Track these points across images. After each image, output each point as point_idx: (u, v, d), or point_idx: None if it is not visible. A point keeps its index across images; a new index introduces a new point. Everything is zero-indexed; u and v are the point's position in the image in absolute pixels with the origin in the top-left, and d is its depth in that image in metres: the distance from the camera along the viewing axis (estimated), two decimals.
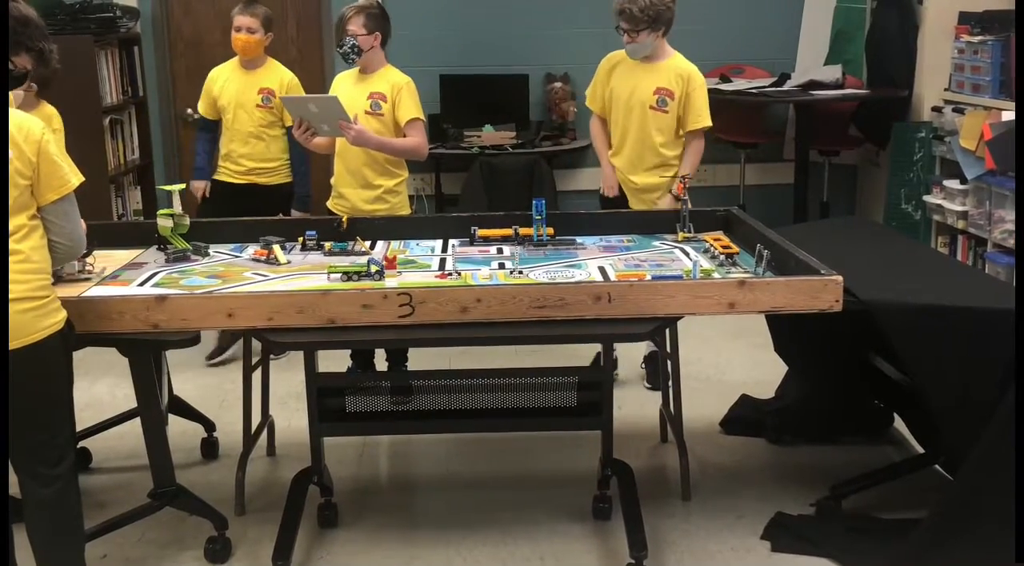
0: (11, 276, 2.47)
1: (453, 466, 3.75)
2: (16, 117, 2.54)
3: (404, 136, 4.02)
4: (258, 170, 4.78)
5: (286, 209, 4.80)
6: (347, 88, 4.08)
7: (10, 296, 2.46)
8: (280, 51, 6.30)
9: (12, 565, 2.74)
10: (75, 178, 2.62)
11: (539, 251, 3.45)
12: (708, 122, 4.11)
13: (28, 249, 2.53)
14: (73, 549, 2.71)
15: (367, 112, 3.98)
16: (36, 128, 2.54)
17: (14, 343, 2.47)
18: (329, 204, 4.18)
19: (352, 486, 3.58)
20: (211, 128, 4.85)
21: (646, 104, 4.10)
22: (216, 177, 4.83)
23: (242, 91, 4.73)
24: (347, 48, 3.98)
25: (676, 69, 4.11)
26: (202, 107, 4.85)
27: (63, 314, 2.62)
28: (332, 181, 4.18)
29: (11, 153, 2.48)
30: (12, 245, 2.50)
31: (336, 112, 3.77)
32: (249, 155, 4.75)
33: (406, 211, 4.18)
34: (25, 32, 2.66)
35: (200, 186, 4.83)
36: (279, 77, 4.76)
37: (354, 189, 4.08)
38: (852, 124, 6.19)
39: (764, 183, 6.37)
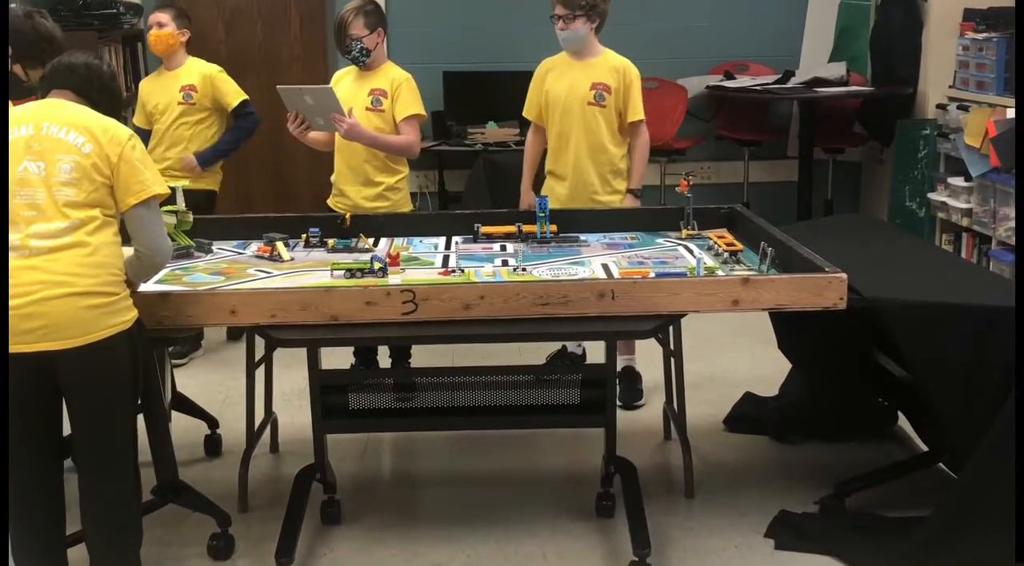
0: (75, 269, 2.47)
1: (456, 463, 3.75)
2: (105, 121, 2.61)
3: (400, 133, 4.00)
4: (177, 174, 4.62)
5: (209, 211, 4.68)
6: (347, 84, 4.06)
7: (74, 289, 2.45)
8: (283, 48, 6.33)
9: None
10: (157, 187, 2.63)
11: (542, 248, 3.45)
12: (643, 114, 4.04)
13: (97, 243, 2.53)
14: (130, 549, 2.70)
15: (368, 109, 3.96)
16: (123, 133, 2.61)
17: (77, 340, 2.46)
18: (330, 202, 4.16)
19: (355, 483, 3.57)
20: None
21: (584, 101, 3.99)
22: None
23: (165, 91, 4.74)
24: (356, 53, 3.96)
25: (610, 63, 4.02)
26: (139, 118, 4.83)
27: (133, 313, 2.59)
28: (332, 178, 4.16)
29: (91, 148, 2.53)
30: (82, 237, 2.51)
31: (331, 104, 3.74)
32: (167, 157, 4.70)
33: (408, 208, 4.16)
34: (48, 50, 2.71)
35: None
36: (199, 72, 4.75)
37: (355, 186, 4.06)
38: (856, 121, 6.17)
39: (768, 180, 6.36)
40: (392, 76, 4.01)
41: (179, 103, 4.71)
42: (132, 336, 2.58)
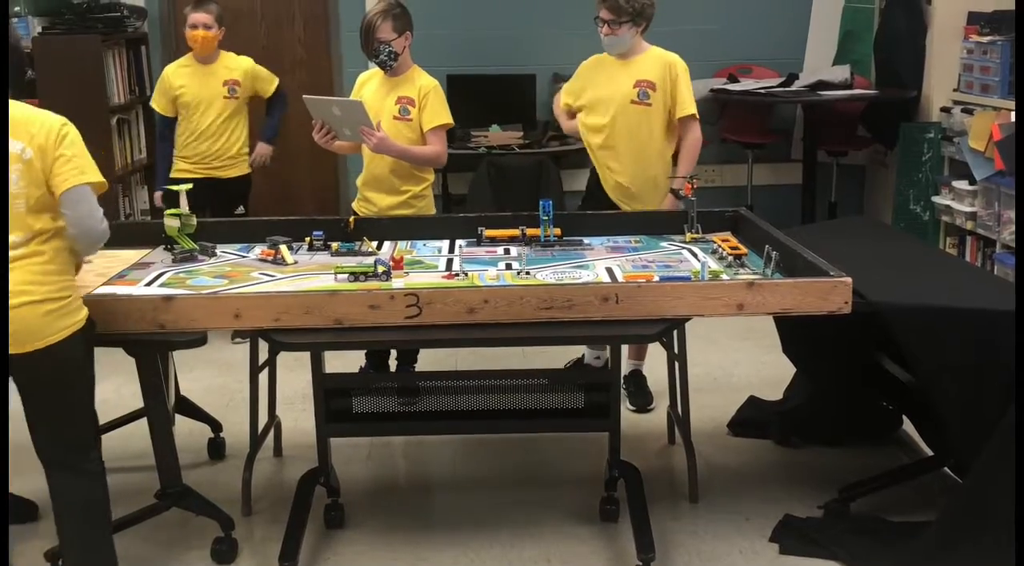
0: (34, 277, 2.51)
1: (460, 467, 3.74)
2: (35, 114, 2.56)
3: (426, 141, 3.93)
4: (217, 164, 4.95)
5: (244, 201, 5.02)
6: (372, 90, 3.97)
7: (32, 298, 2.50)
8: (287, 51, 6.34)
9: None
10: (90, 175, 2.61)
11: (546, 252, 3.44)
12: (694, 109, 3.95)
13: (52, 251, 2.57)
14: (102, 542, 2.74)
15: (395, 117, 3.89)
16: (56, 123, 2.58)
17: (36, 344, 2.51)
18: (354, 206, 4.11)
19: (359, 487, 3.57)
20: (172, 127, 4.97)
21: (627, 99, 3.93)
22: (172, 176, 4.91)
23: (206, 86, 4.87)
24: (384, 57, 3.85)
25: (656, 59, 3.95)
26: (160, 105, 4.95)
27: (84, 312, 2.64)
28: (358, 182, 4.11)
29: (31, 152, 2.52)
30: (37, 246, 2.54)
31: (359, 117, 3.68)
32: (212, 150, 4.92)
33: (432, 213, 4.13)
34: None
35: (161, 196, 4.92)
36: (240, 67, 4.94)
37: (380, 194, 3.99)
38: (860, 124, 6.17)
39: (772, 183, 6.36)
40: (420, 84, 3.91)
41: (224, 98, 4.88)
42: (85, 332, 2.64)
